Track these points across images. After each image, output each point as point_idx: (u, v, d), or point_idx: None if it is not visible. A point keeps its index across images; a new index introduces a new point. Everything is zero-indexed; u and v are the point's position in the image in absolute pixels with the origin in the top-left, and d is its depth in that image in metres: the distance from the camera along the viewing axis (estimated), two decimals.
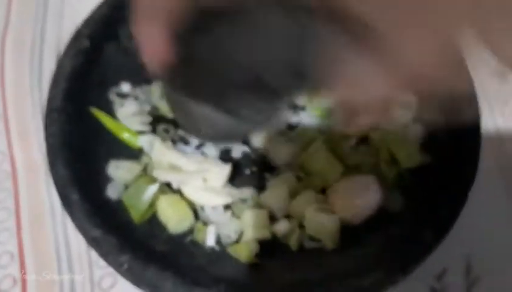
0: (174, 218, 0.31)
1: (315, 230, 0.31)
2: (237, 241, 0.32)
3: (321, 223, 0.31)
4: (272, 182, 0.33)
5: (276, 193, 0.33)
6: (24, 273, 0.36)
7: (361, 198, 0.32)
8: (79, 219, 0.29)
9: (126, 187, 0.32)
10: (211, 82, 0.23)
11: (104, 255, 0.28)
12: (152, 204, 0.32)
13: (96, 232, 0.28)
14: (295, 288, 0.28)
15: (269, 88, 0.22)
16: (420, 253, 0.28)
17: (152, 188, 0.32)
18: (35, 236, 0.37)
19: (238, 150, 0.36)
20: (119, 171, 0.32)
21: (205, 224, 0.32)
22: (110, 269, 0.34)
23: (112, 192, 0.32)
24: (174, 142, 0.35)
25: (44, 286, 0.35)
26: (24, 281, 0.35)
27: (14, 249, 0.37)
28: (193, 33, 0.22)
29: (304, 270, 0.30)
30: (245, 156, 0.35)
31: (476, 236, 0.36)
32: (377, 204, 0.32)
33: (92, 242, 0.28)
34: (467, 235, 0.36)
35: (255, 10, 0.21)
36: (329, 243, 0.31)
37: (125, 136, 0.34)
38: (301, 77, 0.22)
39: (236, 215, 0.32)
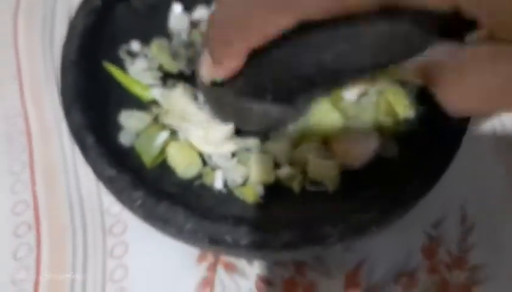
0: (182, 163, 0.33)
1: (317, 174, 0.33)
2: (243, 185, 0.33)
3: (322, 167, 0.32)
4: (275, 133, 0.35)
5: (279, 142, 0.34)
6: (38, 219, 0.37)
7: (360, 144, 0.33)
8: (95, 160, 0.30)
9: (138, 135, 0.34)
10: (278, 81, 0.24)
11: (118, 192, 0.29)
12: (162, 150, 0.33)
13: (111, 171, 0.30)
14: (297, 223, 0.29)
15: (338, 80, 0.23)
16: (414, 195, 0.29)
17: (163, 135, 0.33)
18: (48, 187, 0.39)
19: None
20: (130, 120, 0.34)
21: (213, 169, 0.33)
22: (121, 216, 0.36)
23: (124, 139, 0.33)
24: None
25: (57, 231, 0.37)
26: (38, 227, 0.37)
27: (29, 198, 0.38)
28: (274, 44, 0.22)
29: (306, 210, 0.31)
30: None
31: (471, 187, 0.38)
32: (375, 150, 0.33)
33: (107, 181, 0.30)
34: (462, 185, 0.37)
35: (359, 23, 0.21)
36: (330, 185, 0.32)
37: (137, 89, 0.35)
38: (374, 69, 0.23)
39: (242, 162, 0.34)
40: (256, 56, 0.23)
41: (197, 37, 0.40)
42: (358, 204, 0.31)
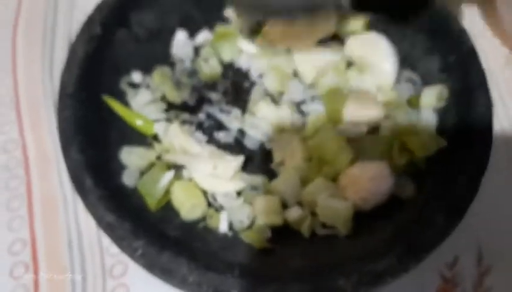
0: (187, 204, 0.31)
1: (328, 217, 0.31)
2: (250, 227, 0.32)
3: (334, 210, 0.31)
4: (283, 170, 0.33)
5: (287, 180, 0.33)
6: (36, 259, 0.36)
7: (373, 183, 0.32)
8: (93, 205, 0.29)
9: (141, 173, 0.32)
10: None
11: (118, 240, 0.28)
12: (167, 191, 0.32)
13: (111, 217, 0.29)
14: (307, 272, 0.28)
15: None
16: (433, 239, 0.28)
17: (168, 176, 0.32)
18: (47, 224, 0.37)
19: (250, 140, 0.36)
20: (132, 157, 0.32)
21: (217, 210, 0.32)
22: (122, 257, 0.34)
23: (127, 179, 0.32)
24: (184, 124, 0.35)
25: (56, 272, 0.35)
26: (36, 269, 0.35)
27: (27, 237, 0.36)
28: None
29: (316, 256, 0.30)
30: (257, 144, 0.35)
31: (487, 226, 0.36)
32: (389, 189, 0.32)
33: (107, 227, 0.28)
34: (478, 224, 0.36)
35: None
36: (342, 229, 0.31)
37: (139, 123, 0.34)
38: None
39: (247, 201, 0.32)
40: None
41: (201, 65, 0.39)
42: (372, 249, 0.29)
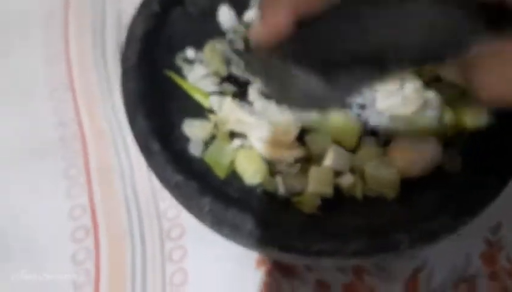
0: (250, 170, 0.33)
1: (376, 183, 0.33)
2: (301, 194, 0.33)
3: (381, 176, 0.32)
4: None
5: (338, 151, 0.34)
6: (96, 224, 0.37)
7: (420, 151, 0.33)
8: (161, 167, 0.31)
9: (205, 143, 0.34)
10: (323, 51, 0.23)
11: (186, 199, 0.30)
12: (233, 160, 0.33)
13: (178, 178, 0.30)
14: (365, 230, 0.29)
15: (385, 66, 0.22)
16: (483, 197, 0.29)
17: (235, 144, 0.33)
18: (105, 191, 0.39)
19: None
20: (193, 129, 0.34)
21: (274, 176, 0.33)
22: (178, 220, 0.37)
23: (194, 150, 0.34)
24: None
25: (115, 235, 0.37)
26: (96, 232, 0.37)
27: (86, 203, 0.38)
28: (324, 14, 0.22)
29: (368, 216, 0.31)
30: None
31: None
32: (435, 159, 0.33)
33: (174, 187, 0.30)
34: None
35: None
36: (389, 193, 0.32)
37: (198, 96, 0.36)
38: (425, 63, 0.22)
39: (303, 170, 0.34)
40: (304, 27, 0.23)
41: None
42: (423, 211, 0.31)
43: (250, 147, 0.34)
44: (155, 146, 0.31)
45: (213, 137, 0.35)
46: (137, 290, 0.36)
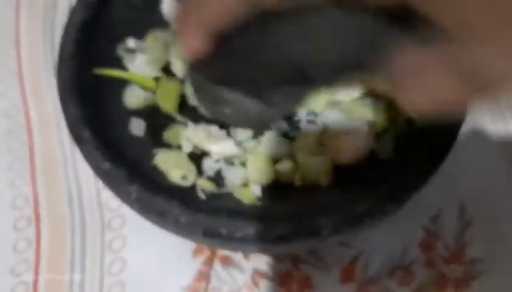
0: (176, 174, 0.33)
1: (309, 171, 0.33)
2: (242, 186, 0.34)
3: (313, 163, 0.32)
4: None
5: (275, 139, 0.34)
6: (38, 213, 0.37)
7: (351, 139, 0.33)
8: (90, 154, 0.31)
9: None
10: (248, 71, 0.23)
11: (114, 186, 0.30)
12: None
13: (107, 165, 0.30)
14: (291, 217, 0.29)
15: (310, 80, 0.22)
16: (411, 184, 0.29)
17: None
18: (48, 181, 0.39)
19: None
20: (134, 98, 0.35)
21: (208, 177, 0.34)
22: (120, 212, 0.37)
23: (136, 128, 0.34)
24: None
25: (56, 225, 0.37)
26: (37, 222, 0.37)
27: (29, 193, 0.38)
28: (238, 31, 0.22)
29: (301, 204, 0.32)
30: None
31: (470, 182, 0.38)
32: (367, 146, 0.33)
33: (103, 174, 0.30)
34: (461, 180, 0.37)
35: (313, 13, 0.20)
36: (323, 180, 0.32)
37: (141, 81, 0.36)
38: (348, 73, 0.22)
39: (241, 163, 0.35)
40: (223, 45, 0.23)
41: None
42: (352, 197, 0.31)
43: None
44: (86, 134, 0.32)
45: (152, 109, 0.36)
46: (76, 279, 0.36)
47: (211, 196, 0.33)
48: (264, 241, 0.29)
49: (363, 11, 0.20)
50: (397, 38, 0.20)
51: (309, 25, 0.21)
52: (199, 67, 0.25)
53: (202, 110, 0.36)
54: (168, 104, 0.36)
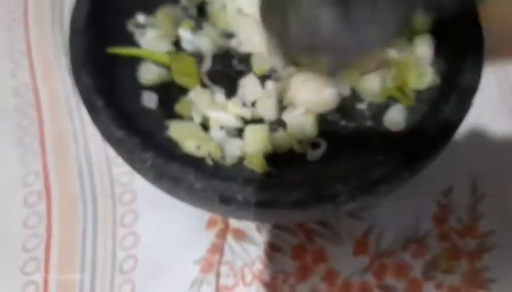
0: (190, 144, 0.33)
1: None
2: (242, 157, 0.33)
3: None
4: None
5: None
6: (49, 189, 0.37)
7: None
8: (104, 123, 0.31)
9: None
10: None
11: (128, 154, 0.30)
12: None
13: (120, 133, 0.30)
14: (306, 182, 0.29)
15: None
16: (426, 151, 0.29)
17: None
18: (59, 156, 0.39)
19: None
20: (149, 74, 0.35)
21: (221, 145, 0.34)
22: (131, 186, 0.37)
23: (148, 100, 0.34)
24: None
25: (67, 200, 0.37)
26: (48, 197, 0.37)
27: (40, 168, 0.38)
28: None
29: (317, 172, 0.31)
30: None
31: (482, 156, 0.38)
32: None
33: (116, 142, 0.30)
34: (473, 155, 0.37)
35: None
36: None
37: (154, 58, 0.36)
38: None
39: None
40: None
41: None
42: (366, 164, 0.31)
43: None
44: (99, 103, 0.31)
45: (165, 85, 0.35)
46: (87, 254, 0.36)
47: (223, 165, 0.33)
48: (280, 206, 0.29)
49: None
50: None
51: None
52: None
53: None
54: (187, 80, 0.35)
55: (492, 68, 0.40)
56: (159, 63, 0.36)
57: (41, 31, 0.45)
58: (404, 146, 0.31)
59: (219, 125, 0.35)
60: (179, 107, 0.35)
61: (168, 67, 0.36)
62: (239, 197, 0.29)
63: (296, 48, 0.28)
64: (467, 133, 0.33)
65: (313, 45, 0.25)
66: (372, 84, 0.35)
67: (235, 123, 0.34)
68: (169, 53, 0.37)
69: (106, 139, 0.31)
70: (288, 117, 0.34)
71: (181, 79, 0.36)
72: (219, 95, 0.35)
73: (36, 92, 0.42)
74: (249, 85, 0.35)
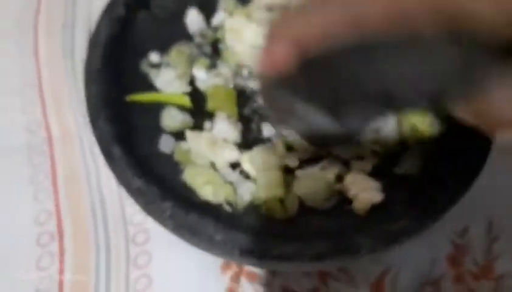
0: (207, 191, 0.33)
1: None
2: (252, 202, 0.33)
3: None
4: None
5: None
6: (61, 229, 0.37)
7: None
8: (122, 171, 0.30)
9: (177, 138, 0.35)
10: (329, 89, 0.23)
11: (147, 204, 0.29)
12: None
13: (139, 182, 0.30)
14: (327, 234, 0.29)
15: (393, 101, 0.21)
16: (446, 200, 0.29)
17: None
18: (71, 195, 0.39)
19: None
20: (170, 119, 0.35)
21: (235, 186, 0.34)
22: (144, 226, 0.36)
23: (164, 145, 0.34)
24: None
25: (80, 240, 0.37)
26: (61, 237, 0.37)
27: (52, 208, 0.38)
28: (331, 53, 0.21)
29: (335, 222, 0.31)
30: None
31: (498, 196, 0.38)
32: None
33: (135, 192, 0.30)
34: (488, 194, 0.37)
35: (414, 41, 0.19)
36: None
37: (174, 101, 0.36)
38: (434, 99, 0.21)
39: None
40: (313, 65, 0.22)
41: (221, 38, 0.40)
42: (385, 214, 0.31)
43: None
44: (117, 151, 0.31)
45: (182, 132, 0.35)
46: None
47: (244, 213, 0.32)
48: (300, 259, 0.28)
49: (470, 41, 0.18)
50: (496, 69, 0.19)
51: (406, 51, 0.20)
52: (277, 81, 0.24)
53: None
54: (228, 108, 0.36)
55: None
56: (181, 107, 0.36)
57: (52, 64, 0.45)
58: (425, 197, 0.31)
59: (228, 165, 0.34)
60: (176, 156, 0.34)
61: (190, 111, 0.36)
62: (259, 250, 0.29)
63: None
64: (484, 172, 0.32)
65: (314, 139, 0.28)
66: (388, 136, 0.35)
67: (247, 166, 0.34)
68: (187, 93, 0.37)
69: (124, 188, 0.31)
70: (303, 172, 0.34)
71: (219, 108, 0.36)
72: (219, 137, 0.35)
73: (47, 128, 0.42)
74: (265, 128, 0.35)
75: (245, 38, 0.38)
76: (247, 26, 0.38)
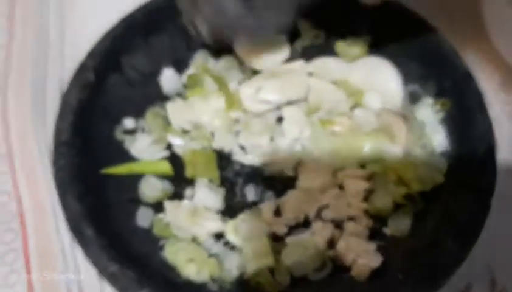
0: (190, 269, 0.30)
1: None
2: (241, 275, 0.31)
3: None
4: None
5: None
6: None
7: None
8: (95, 255, 0.28)
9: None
10: None
11: (123, 290, 0.27)
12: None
13: (114, 267, 0.28)
14: None
15: None
16: (447, 266, 0.27)
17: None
18: (45, 277, 0.36)
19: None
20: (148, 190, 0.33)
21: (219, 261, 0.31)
22: None
23: (142, 220, 0.32)
24: None
25: None
26: None
27: (25, 290, 0.35)
28: None
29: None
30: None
31: (499, 250, 0.36)
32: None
33: (110, 277, 0.27)
34: (490, 249, 0.35)
35: None
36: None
37: (152, 170, 0.34)
38: None
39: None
40: None
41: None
42: (388, 283, 0.28)
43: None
44: (89, 231, 0.29)
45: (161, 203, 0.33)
46: None
47: (228, 287, 0.30)
48: None
49: None
50: None
51: None
52: None
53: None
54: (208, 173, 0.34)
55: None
56: (159, 175, 0.34)
57: (23, 133, 0.42)
58: (425, 268, 0.28)
59: (211, 236, 0.32)
60: (155, 230, 0.32)
61: (171, 178, 0.34)
62: None
63: (211, 30, 0.31)
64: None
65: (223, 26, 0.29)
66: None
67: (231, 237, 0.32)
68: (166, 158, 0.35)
69: (99, 272, 0.28)
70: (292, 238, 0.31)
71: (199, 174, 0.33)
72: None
73: (19, 200, 0.39)
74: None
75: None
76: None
